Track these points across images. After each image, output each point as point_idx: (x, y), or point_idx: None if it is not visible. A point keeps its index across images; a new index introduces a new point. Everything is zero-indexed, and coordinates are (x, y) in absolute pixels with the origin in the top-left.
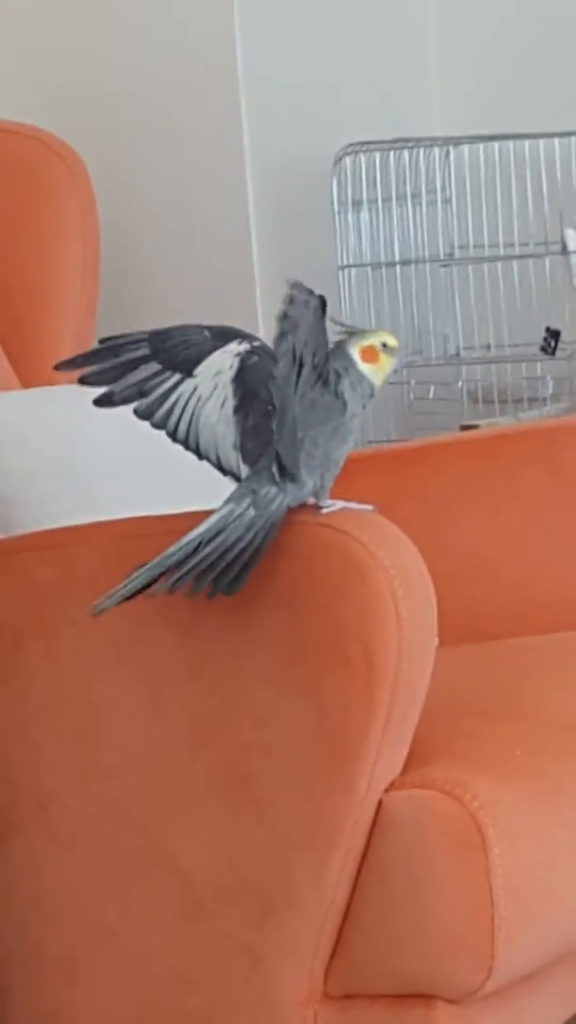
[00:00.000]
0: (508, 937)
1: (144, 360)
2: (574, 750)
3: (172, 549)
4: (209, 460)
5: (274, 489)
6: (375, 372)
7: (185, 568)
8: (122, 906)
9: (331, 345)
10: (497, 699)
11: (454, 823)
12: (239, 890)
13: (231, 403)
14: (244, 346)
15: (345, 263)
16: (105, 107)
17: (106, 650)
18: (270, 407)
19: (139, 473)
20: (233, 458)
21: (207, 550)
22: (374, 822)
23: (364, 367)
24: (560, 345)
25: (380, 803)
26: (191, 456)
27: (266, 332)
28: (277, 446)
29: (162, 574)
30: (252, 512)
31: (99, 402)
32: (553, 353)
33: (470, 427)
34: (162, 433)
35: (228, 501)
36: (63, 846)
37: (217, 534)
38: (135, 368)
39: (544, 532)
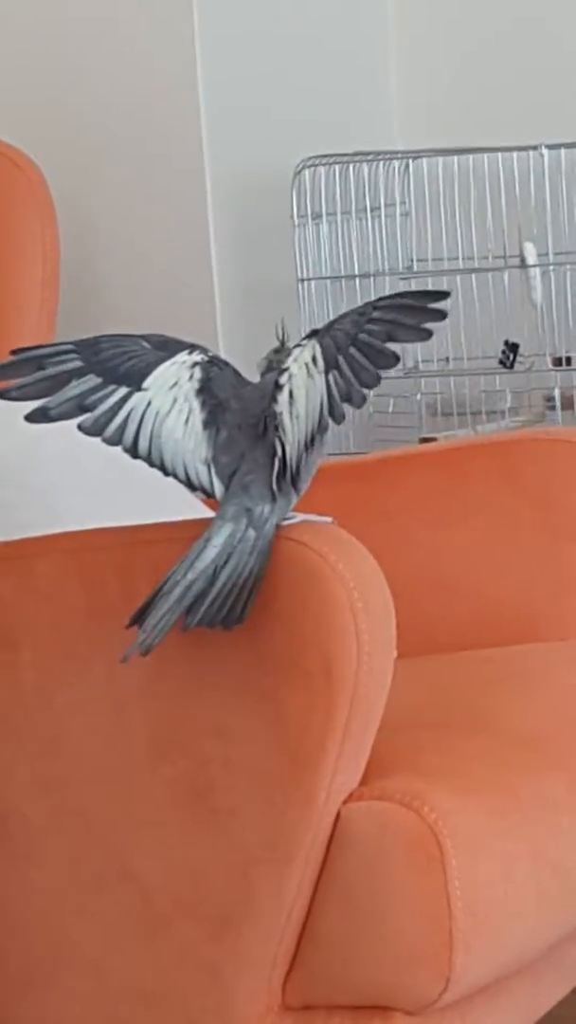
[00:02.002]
0: (466, 949)
1: (78, 373)
2: (531, 763)
3: (190, 577)
4: (176, 476)
5: (268, 507)
6: None
7: (207, 601)
8: (82, 919)
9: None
10: (455, 712)
11: (412, 835)
12: (198, 903)
13: (199, 417)
14: (198, 356)
15: (304, 276)
16: (66, 121)
17: (67, 661)
18: (258, 420)
19: (100, 484)
20: (204, 473)
21: (223, 579)
22: (332, 834)
23: None
24: (518, 358)
25: (339, 815)
26: (146, 469)
27: (225, 344)
28: (291, 458)
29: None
30: (252, 534)
31: (32, 418)
32: (511, 366)
33: (428, 440)
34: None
35: (224, 520)
36: (22, 859)
37: (227, 560)
38: (68, 381)
39: (502, 545)
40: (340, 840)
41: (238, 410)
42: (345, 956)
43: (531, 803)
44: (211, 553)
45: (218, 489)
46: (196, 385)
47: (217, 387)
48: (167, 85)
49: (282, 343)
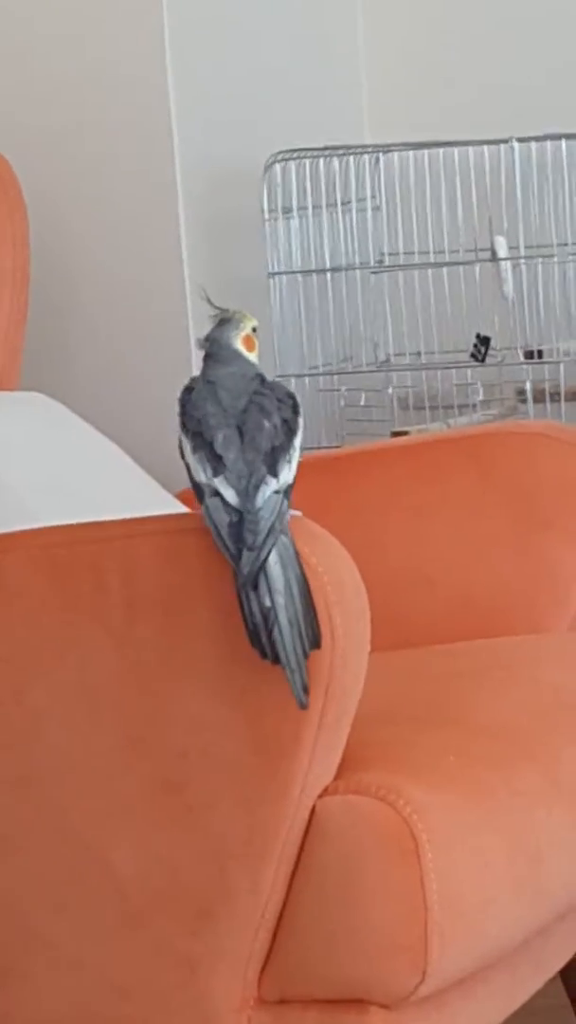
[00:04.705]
0: (442, 942)
1: None
2: (507, 757)
3: (281, 600)
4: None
5: (283, 501)
6: (255, 359)
7: (310, 618)
8: (56, 913)
9: (206, 334)
10: (430, 705)
11: (387, 829)
12: (174, 897)
13: (188, 447)
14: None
15: (275, 270)
16: (33, 114)
17: (40, 655)
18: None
19: (68, 482)
20: (224, 490)
21: (296, 593)
22: (308, 828)
23: (250, 356)
24: (490, 352)
25: (314, 809)
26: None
27: (195, 336)
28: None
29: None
30: (285, 539)
31: None
32: (483, 360)
33: (400, 433)
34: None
35: (273, 529)
36: None
37: (285, 571)
38: None
39: (475, 538)
40: (315, 834)
41: (220, 411)
42: (321, 950)
43: (506, 795)
44: (277, 570)
45: (235, 499)
46: (180, 421)
47: (192, 409)
48: (137, 79)
49: (219, 311)
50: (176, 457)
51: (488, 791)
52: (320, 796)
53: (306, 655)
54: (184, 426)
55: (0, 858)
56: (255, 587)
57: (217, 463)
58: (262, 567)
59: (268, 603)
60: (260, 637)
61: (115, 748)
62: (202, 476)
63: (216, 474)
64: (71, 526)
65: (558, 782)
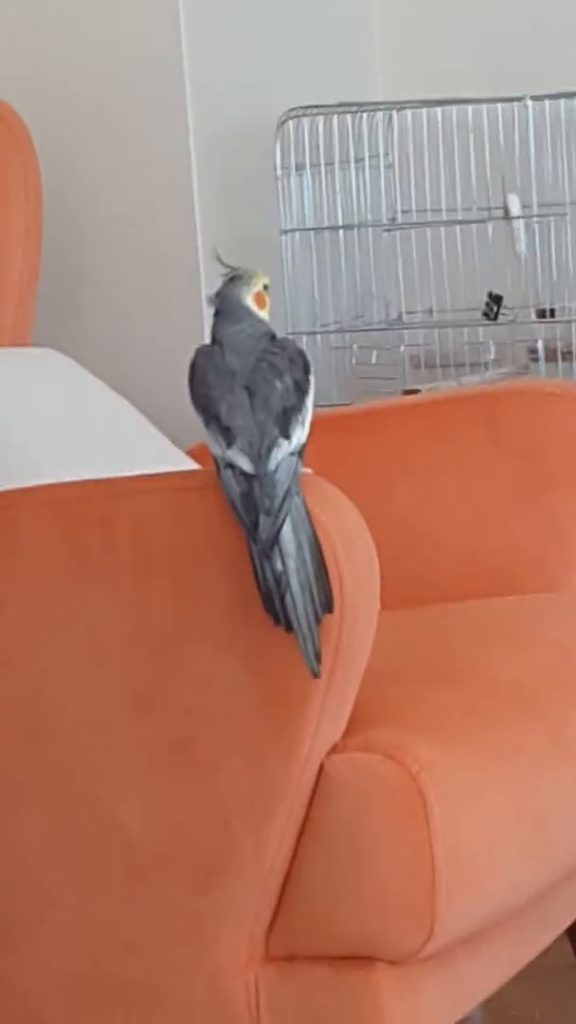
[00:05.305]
0: (448, 900)
1: None
2: (514, 715)
3: (292, 564)
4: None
5: (295, 460)
6: (266, 316)
7: (324, 587)
8: (65, 871)
9: (217, 290)
10: (438, 664)
11: (395, 786)
12: (182, 855)
13: (201, 422)
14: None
15: (288, 227)
16: (48, 76)
17: (49, 615)
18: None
19: (79, 438)
20: (239, 461)
21: (307, 556)
22: (316, 785)
23: (261, 313)
24: (502, 310)
25: (322, 767)
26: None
27: (208, 292)
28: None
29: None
30: (299, 500)
31: None
32: (495, 318)
33: (412, 392)
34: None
35: (289, 492)
36: (6, 810)
37: (297, 533)
38: None
39: (484, 497)
40: (323, 791)
41: (223, 378)
42: (328, 907)
43: (514, 755)
44: (289, 534)
45: (249, 465)
46: (190, 398)
47: (198, 385)
48: (150, 36)
49: (230, 269)
50: (187, 414)
51: (495, 750)
52: (328, 754)
53: (318, 620)
54: (194, 403)
55: (8, 814)
56: (267, 553)
57: (227, 434)
58: (279, 531)
59: (280, 567)
60: (273, 602)
61: (123, 706)
62: (216, 449)
63: (229, 445)
64: (81, 482)
65: (565, 741)
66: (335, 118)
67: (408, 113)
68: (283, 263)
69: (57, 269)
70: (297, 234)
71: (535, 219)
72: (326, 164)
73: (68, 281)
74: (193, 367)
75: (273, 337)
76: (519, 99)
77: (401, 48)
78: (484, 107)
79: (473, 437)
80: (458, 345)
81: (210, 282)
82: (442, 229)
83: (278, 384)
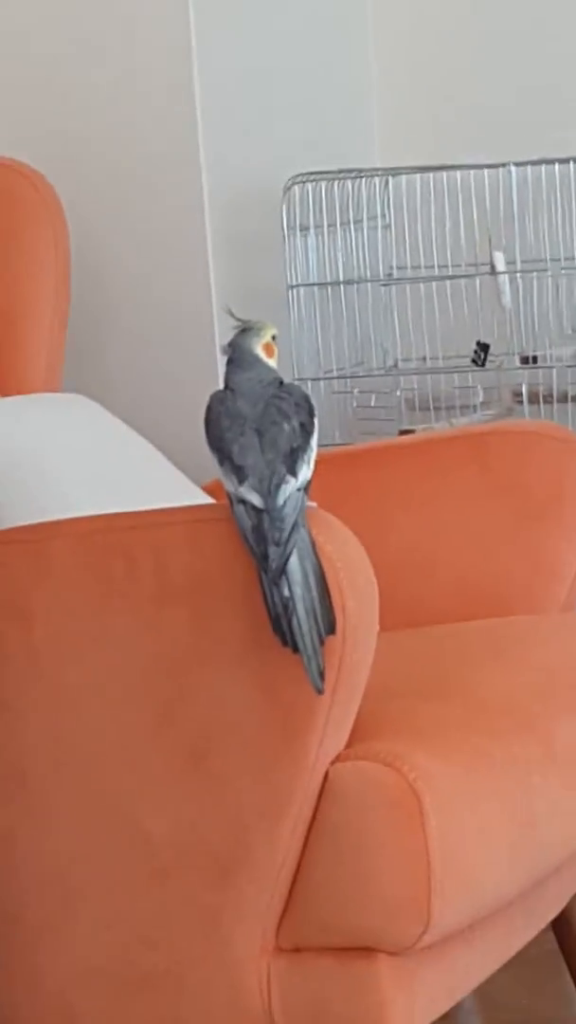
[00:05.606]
0: (443, 896)
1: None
2: (504, 727)
3: (299, 591)
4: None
5: (301, 496)
6: (274, 364)
7: (327, 611)
8: (93, 872)
9: (229, 340)
10: (433, 681)
11: (394, 792)
12: (199, 855)
13: (215, 463)
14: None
15: (294, 283)
16: (77, 145)
17: (78, 636)
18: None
19: (107, 474)
20: (249, 497)
21: (312, 584)
22: (321, 791)
23: (270, 362)
24: (489, 357)
25: (327, 775)
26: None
27: (221, 342)
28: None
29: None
30: (304, 533)
31: None
32: (483, 364)
33: (408, 432)
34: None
35: (296, 525)
36: (39, 816)
37: (303, 563)
38: None
39: (476, 527)
40: (328, 797)
41: (235, 422)
42: (333, 903)
43: (503, 763)
44: (295, 563)
45: (259, 501)
46: (207, 440)
47: (213, 428)
48: (169, 110)
49: (241, 322)
50: (203, 453)
51: (487, 759)
52: (332, 763)
53: (322, 642)
54: (209, 444)
55: (41, 821)
56: (276, 580)
57: (240, 472)
58: (286, 561)
59: (287, 594)
60: (281, 625)
61: (146, 721)
62: (230, 486)
63: (241, 483)
64: (107, 515)
65: (552, 751)
66: (336, 183)
67: (403, 178)
68: (290, 315)
69: (84, 322)
70: (302, 289)
71: (519, 274)
72: (328, 225)
73: (94, 333)
74: (208, 411)
75: (281, 383)
76: (503, 165)
77: (396, 119)
78: (472, 173)
79: (464, 473)
80: (449, 389)
81: (223, 333)
82: (434, 284)
83: (285, 426)
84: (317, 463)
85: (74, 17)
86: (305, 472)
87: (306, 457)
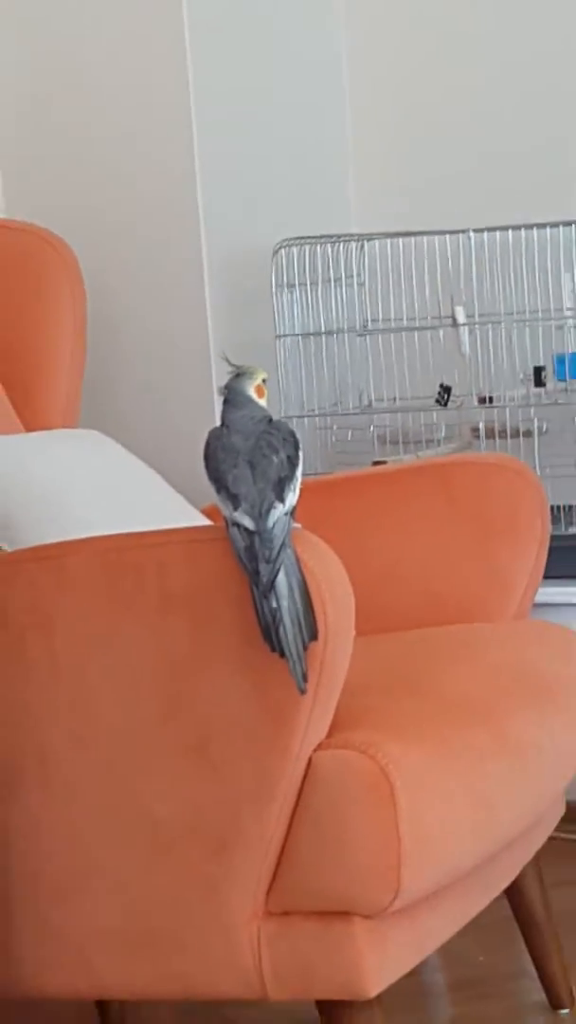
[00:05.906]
0: (411, 867)
1: None
2: (463, 720)
3: (285, 603)
4: (246, 551)
5: (287, 519)
6: (264, 404)
7: (310, 620)
8: (105, 843)
9: (225, 383)
10: (403, 679)
11: (368, 776)
12: (199, 832)
13: (213, 488)
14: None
15: (281, 333)
16: (91, 210)
17: (93, 640)
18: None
19: (119, 499)
20: (244, 521)
21: (297, 596)
22: (305, 776)
23: (260, 402)
24: (451, 398)
25: (310, 761)
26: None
27: (218, 385)
28: (283, 477)
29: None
30: (291, 552)
31: None
32: (446, 404)
33: (380, 463)
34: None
35: (284, 544)
36: (58, 796)
37: (289, 578)
38: None
39: (440, 545)
40: (311, 781)
41: (230, 455)
42: (315, 873)
43: (463, 751)
44: (282, 578)
45: (251, 524)
46: (206, 471)
47: (211, 461)
48: (170, 183)
49: (236, 367)
50: (202, 481)
51: (449, 747)
52: (315, 751)
53: (305, 647)
54: (208, 474)
55: (61, 800)
56: (266, 593)
57: (234, 499)
58: (275, 576)
59: (275, 605)
60: (271, 633)
61: (152, 716)
62: (225, 511)
63: (235, 508)
64: (119, 535)
65: (506, 740)
66: (319, 246)
67: (376, 242)
68: (277, 361)
69: (98, 367)
70: (288, 338)
71: (477, 326)
72: (311, 283)
73: (106, 376)
74: (207, 446)
75: (270, 420)
76: (464, 231)
77: (371, 193)
78: (436, 238)
79: (430, 499)
80: (417, 426)
81: (219, 377)
82: (403, 334)
83: (275, 458)
84: (301, 490)
85: (90, 95)
86: (291, 498)
87: (292, 485)
